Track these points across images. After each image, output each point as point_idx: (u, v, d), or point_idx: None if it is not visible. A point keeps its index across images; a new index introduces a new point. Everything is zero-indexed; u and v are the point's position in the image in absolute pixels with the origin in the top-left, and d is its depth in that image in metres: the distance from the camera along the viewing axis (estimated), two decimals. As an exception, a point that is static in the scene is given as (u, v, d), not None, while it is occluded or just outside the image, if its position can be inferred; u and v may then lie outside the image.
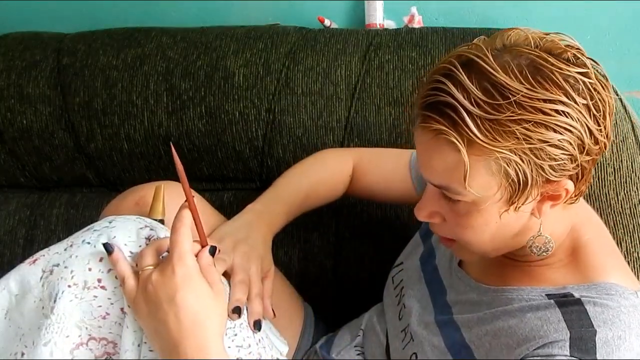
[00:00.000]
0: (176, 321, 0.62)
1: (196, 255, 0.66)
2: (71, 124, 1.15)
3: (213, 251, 0.68)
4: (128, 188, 0.89)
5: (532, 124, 0.55)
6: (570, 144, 0.57)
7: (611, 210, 0.89)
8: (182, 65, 1.12)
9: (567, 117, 0.56)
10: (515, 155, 0.56)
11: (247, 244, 0.78)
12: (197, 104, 1.10)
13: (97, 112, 1.13)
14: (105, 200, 1.08)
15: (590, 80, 0.58)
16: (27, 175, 1.22)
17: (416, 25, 1.35)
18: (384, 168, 0.94)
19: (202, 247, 0.68)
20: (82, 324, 0.67)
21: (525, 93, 0.55)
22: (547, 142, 0.56)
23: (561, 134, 0.56)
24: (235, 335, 0.69)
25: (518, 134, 0.55)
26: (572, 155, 0.58)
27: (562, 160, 0.57)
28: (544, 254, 0.65)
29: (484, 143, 0.56)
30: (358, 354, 0.88)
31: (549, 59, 0.57)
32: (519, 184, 0.58)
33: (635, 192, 0.90)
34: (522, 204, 0.60)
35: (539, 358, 0.60)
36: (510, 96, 0.55)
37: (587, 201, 0.79)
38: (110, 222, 0.72)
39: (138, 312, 0.65)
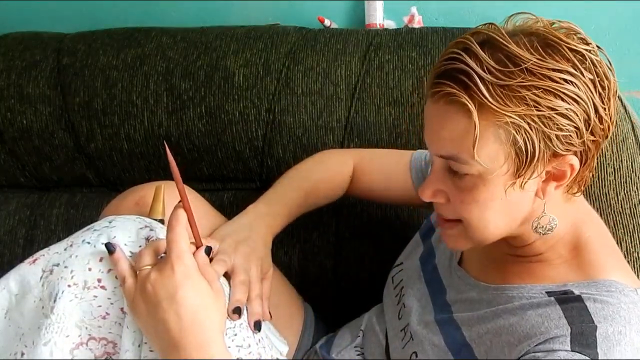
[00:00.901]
0: (177, 319, 0.62)
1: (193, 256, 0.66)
2: (71, 124, 1.15)
3: (209, 251, 0.68)
4: (128, 188, 0.89)
5: (541, 91, 0.57)
6: (577, 115, 0.59)
7: (611, 210, 0.89)
8: (182, 65, 1.12)
9: (574, 86, 0.58)
10: (524, 122, 0.58)
11: (248, 245, 0.78)
12: (197, 104, 1.10)
13: (97, 112, 1.13)
14: (105, 200, 1.08)
15: (597, 58, 0.60)
16: (27, 175, 1.22)
17: (416, 25, 1.35)
18: (384, 169, 0.94)
19: (197, 247, 0.68)
20: (82, 323, 0.67)
21: (535, 62, 0.58)
22: (555, 110, 0.58)
23: (568, 103, 0.58)
24: (235, 335, 0.69)
25: (528, 99, 0.57)
26: (578, 128, 0.59)
27: (569, 132, 0.59)
28: (549, 232, 0.66)
29: (495, 107, 0.57)
30: (358, 354, 0.88)
31: (559, 35, 0.60)
32: (527, 154, 0.59)
33: (635, 192, 0.90)
34: (529, 178, 0.61)
35: (540, 354, 0.60)
36: (522, 64, 0.57)
37: (587, 201, 0.79)
38: (110, 222, 0.72)
39: (137, 312, 0.65)
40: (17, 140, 1.18)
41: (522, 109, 0.57)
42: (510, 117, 0.58)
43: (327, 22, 1.38)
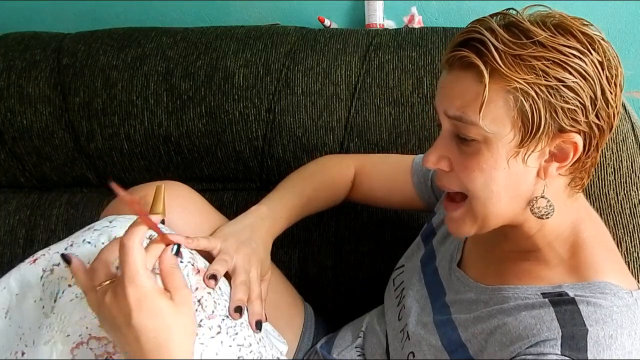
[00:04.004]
0: (137, 344, 0.59)
1: (159, 261, 0.63)
2: (71, 124, 1.15)
3: (177, 249, 0.64)
4: (128, 188, 0.88)
5: (550, 62, 0.60)
6: (583, 90, 0.60)
7: (611, 210, 0.89)
8: (182, 65, 1.12)
9: (582, 62, 0.60)
10: (532, 90, 0.60)
11: (249, 246, 0.78)
12: (197, 104, 1.10)
13: (97, 112, 1.13)
14: (105, 200, 1.09)
15: (607, 45, 0.63)
16: (27, 175, 1.22)
17: (416, 25, 1.35)
18: (385, 174, 0.94)
19: (167, 245, 0.63)
20: (83, 323, 0.67)
21: (546, 36, 0.60)
22: (563, 81, 0.60)
23: (575, 77, 0.60)
24: (236, 334, 0.69)
25: (537, 68, 0.60)
26: (584, 105, 0.61)
27: (574, 107, 0.61)
28: (544, 217, 0.67)
29: (505, 72, 0.60)
30: (359, 355, 0.88)
31: (572, 19, 0.63)
32: (532, 123, 0.61)
33: (635, 192, 0.90)
34: (532, 151, 0.63)
35: (530, 357, 0.60)
36: (534, 37, 0.61)
37: (587, 201, 0.79)
38: (110, 222, 0.72)
39: (104, 328, 0.63)
40: (17, 140, 1.18)
41: (531, 77, 0.60)
42: (519, 83, 0.60)
43: (327, 22, 1.38)
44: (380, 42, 1.10)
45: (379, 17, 1.39)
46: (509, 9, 0.64)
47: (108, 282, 0.61)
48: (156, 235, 0.68)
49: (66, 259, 0.63)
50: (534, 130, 0.61)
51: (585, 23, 0.63)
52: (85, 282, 0.62)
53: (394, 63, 1.07)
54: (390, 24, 1.41)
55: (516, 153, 0.63)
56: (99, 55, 1.16)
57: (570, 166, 0.65)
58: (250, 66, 1.10)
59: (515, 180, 0.65)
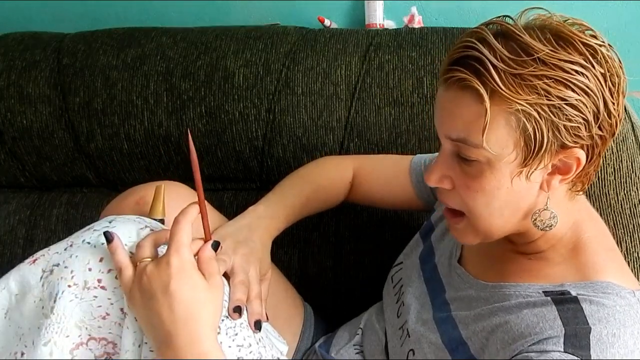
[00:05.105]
0: (169, 312, 0.62)
1: (199, 250, 0.67)
2: (71, 124, 1.15)
3: (216, 246, 0.68)
4: (128, 188, 0.89)
5: (552, 81, 0.58)
6: (586, 107, 0.59)
7: (611, 210, 0.89)
8: (182, 65, 1.12)
9: (585, 78, 0.59)
10: (534, 110, 0.59)
11: (247, 246, 0.78)
12: (197, 104, 1.10)
13: (97, 112, 1.13)
14: (105, 200, 1.08)
15: (609, 54, 0.61)
16: (27, 175, 1.22)
17: (416, 25, 1.35)
18: (384, 175, 0.94)
19: (206, 241, 0.68)
20: (82, 324, 0.67)
21: (547, 52, 0.58)
22: (565, 100, 0.58)
23: (578, 94, 0.59)
24: (236, 334, 0.69)
25: (539, 88, 0.58)
26: (587, 120, 0.60)
27: (577, 124, 0.59)
28: (547, 228, 0.66)
29: (506, 94, 0.58)
30: (357, 353, 0.88)
31: (572, 29, 0.60)
32: (535, 143, 0.60)
33: (635, 192, 0.90)
34: (535, 169, 0.62)
35: (533, 354, 0.60)
36: (534, 54, 0.58)
37: (587, 201, 0.79)
38: (110, 222, 0.72)
39: (133, 303, 0.65)
40: (17, 140, 1.18)
41: (533, 98, 0.58)
42: (521, 104, 0.58)
43: (327, 22, 1.38)
44: (380, 42, 1.10)
45: (379, 17, 1.39)
46: (505, 16, 0.63)
47: (150, 258, 0.65)
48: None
49: (108, 236, 0.67)
50: (536, 149, 0.60)
51: (586, 28, 0.61)
52: (124, 259, 0.66)
53: (394, 63, 1.07)
54: (390, 24, 1.41)
55: (519, 172, 0.62)
56: (99, 55, 1.16)
57: (574, 177, 0.64)
58: (250, 66, 1.10)
59: (517, 196, 0.64)
